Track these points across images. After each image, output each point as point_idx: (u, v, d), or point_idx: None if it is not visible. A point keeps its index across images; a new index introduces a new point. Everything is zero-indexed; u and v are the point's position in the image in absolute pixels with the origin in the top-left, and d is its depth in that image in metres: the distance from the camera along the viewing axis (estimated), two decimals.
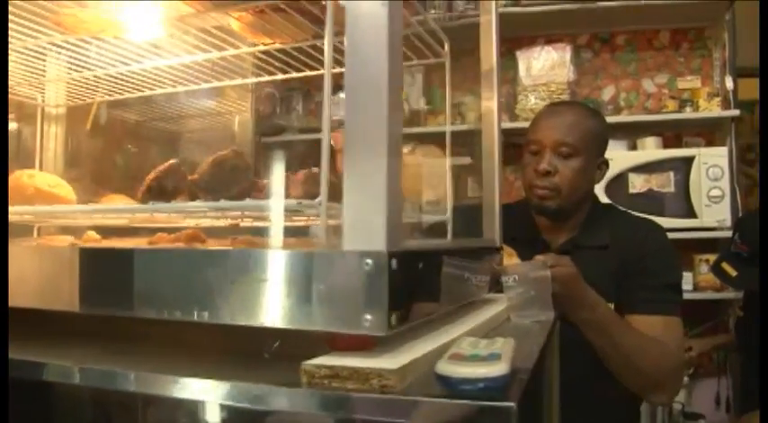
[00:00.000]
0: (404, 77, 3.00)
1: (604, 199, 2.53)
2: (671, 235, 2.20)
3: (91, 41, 1.03)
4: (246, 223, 0.77)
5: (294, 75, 1.14)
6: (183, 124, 1.46)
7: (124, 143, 1.39)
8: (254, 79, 1.21)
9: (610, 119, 2.71)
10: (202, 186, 0.67)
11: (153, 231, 0.85)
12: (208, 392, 0.54)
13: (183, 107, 1.33)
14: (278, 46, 0.98)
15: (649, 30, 2.89)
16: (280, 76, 1.17)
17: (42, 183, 0.96)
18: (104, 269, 0.67)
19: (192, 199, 0.68)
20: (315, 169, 0.74)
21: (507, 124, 2.79)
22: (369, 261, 0.54)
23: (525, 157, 1.46)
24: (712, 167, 2.51)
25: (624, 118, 2.74)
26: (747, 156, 5.32)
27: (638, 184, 2.55)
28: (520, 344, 0.60)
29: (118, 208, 0.80)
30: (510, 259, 1.15)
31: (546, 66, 2.68)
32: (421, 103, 2.94)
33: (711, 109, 2.63)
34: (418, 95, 2.98)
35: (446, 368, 0.49)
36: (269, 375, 0.56)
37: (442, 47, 1.03)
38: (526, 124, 2.68)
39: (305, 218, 0.77)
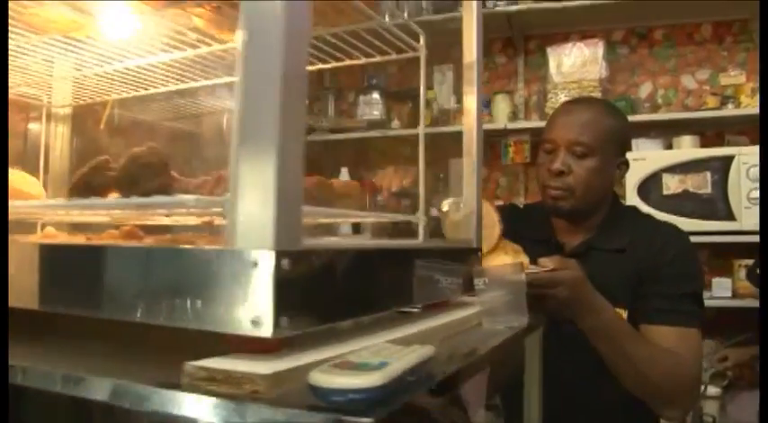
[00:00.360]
0: (434, 76, 2.97)
1: (636, 200, 2.45)
2: (708, 239, 2.10)
3: (78, 41, 1.03)
4: (180, 220, 0.75)
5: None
6: (183, 122, 1.46)
7: (121, 143, 1.40)
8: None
9: (645, 117, 2.62)
10: (120, 182, 0.66)
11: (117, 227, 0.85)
12: (87, 389, 0.52)
13: (177, 106, 1.33)
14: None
15: (690, 23, 2.77)
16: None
17: (12, 180, 0.97)
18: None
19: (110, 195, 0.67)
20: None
21: (538, 123, 2.72)
22: (256, 260, 0.51)
23: (540, 155, 1.41)
24: (753, 167, 2.37)
25: (659, 116, 2.63)
26: None
27: (672, 185, 2.43)
28: (450, 353, 0.57)
29: (37, 204, 0.80)
30: (517, 256, 1.12)
31: (577, 63, 2.60)
32: (452, 102, 2.89)
33: (754, 105, 2.50)
34: (448, 94, 2.93)
35: (318, 377, 0.46)
36: (156, 374, 0.54)
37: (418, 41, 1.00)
38: None
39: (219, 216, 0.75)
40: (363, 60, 1.04)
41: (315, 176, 0.80)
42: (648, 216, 1.50)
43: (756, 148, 2.40)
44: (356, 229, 2.27)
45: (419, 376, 0.53)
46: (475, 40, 1.03)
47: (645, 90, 2.81)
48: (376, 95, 3.00)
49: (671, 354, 1.21)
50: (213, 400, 0.48)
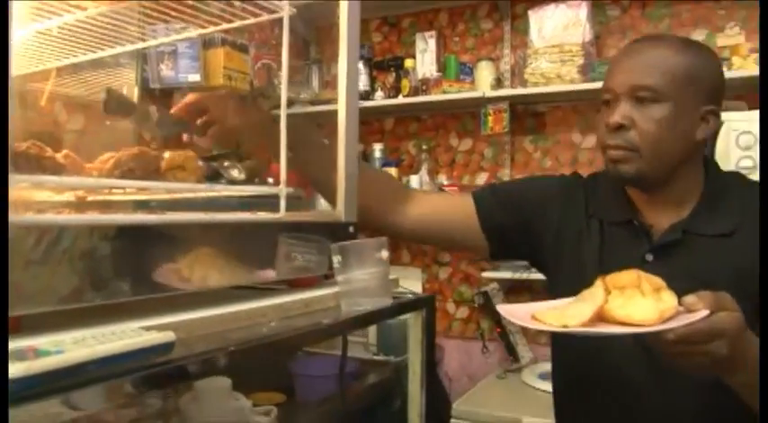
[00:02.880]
0: (416, 44, 2.87)
1: None
2: None
3: None
4: None
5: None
6: None
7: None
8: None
9: None
10: None
11: None
12: None
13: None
14: None
15: None
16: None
17: None
18: None
19: None
20: None
21: (518, 90, 2.62)
22: None
23: (599, 115, 1.12)
24: (743, 134, 2.24)
25: None
26: None
27: None
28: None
29: None
30: (658, 296, 0.80)
31: (559, 26, 2.47)
32: (433, 71, 2.80)
33: (746, 67, 2.35)
34: (431, 61, 2.84)
35: None
36: None
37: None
38: (536, 90, 2.53)
39: None
40: (233, 25, 0.97)
41: (135, 147, 0.75)
42: (758, 183, 1.14)
43: (745, 114, 2.26)
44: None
45: (110, 365, 0.48)
46: (347, 9, 0.95)
47: None
48: (359, 66, 2.93)
49: None
50: None
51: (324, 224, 0.93)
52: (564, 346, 1.19)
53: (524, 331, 2.71)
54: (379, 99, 2.86)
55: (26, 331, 0.54)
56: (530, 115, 2.81)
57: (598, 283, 0.83)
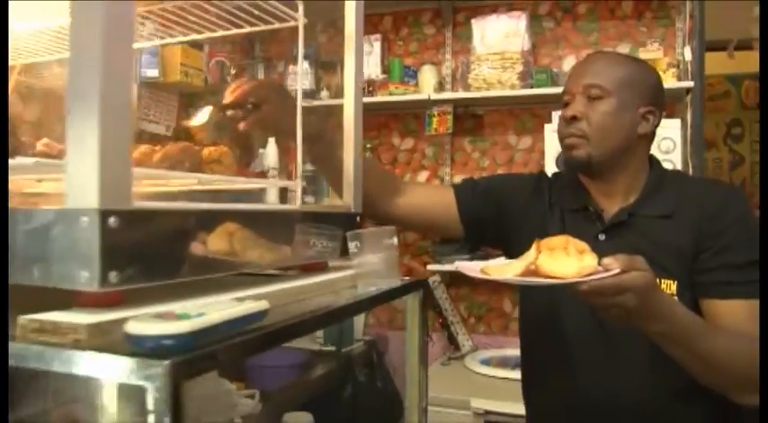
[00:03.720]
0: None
1: (554, 169, 2.53)
2: None
3: None
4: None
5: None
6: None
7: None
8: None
9: None
10: None
11: None
12: None
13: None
14: None
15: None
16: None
17: None
18: None
19: None
20: None
21: (461, 94, 2.78)
22: (84, 219, 0.54)
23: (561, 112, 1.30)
24: (665, 140, 2.49)
25: None
26: (732, 131, 5.30)
27: None
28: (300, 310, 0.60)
29: None
30: (581, 257, 0.93)
31: (500, 34, 2.65)
32: (378, 72, 2.92)
33: (665, 80, 2.59)
34: (376, 64, 2.95)
35: (132, 326, 0.50)
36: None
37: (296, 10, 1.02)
38: (479, 94, 2.69)
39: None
40: (247, 29, 1.05)
41: (181, 143, 0.82)
42: (696, 178, 1.40)
43: (666, 122, 2.50)
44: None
45: (239, 327, 0.57)
46: (354, 12, 1.05)
47: (568, 63, 2.87)
48: (305, 65, 3.01)
49: (748, 339, 1.07)
50: (37, 347, 0.51)
51: (333, 214, 1.02)
52: (529, 312, 1.39)
53: (464, 322, 2.87)
54: (325, 99, 2.95)
55: (128, 304, 0.61)
56: (469, 117, 2.97)
57: (533, 246, 0.96)
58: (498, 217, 1.38)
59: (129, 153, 0.57)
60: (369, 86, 2.85)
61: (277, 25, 1.06)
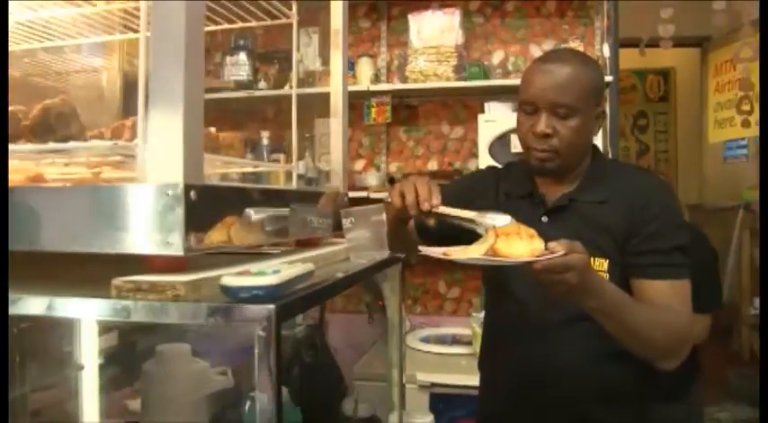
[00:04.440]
0: (300, 38, 3.06)
1: (486, 157, 2.70)
2: None
3: None
4: (80, 165, 0.84)
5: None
6: (56, 79, 1.48)
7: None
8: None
9: (497, 82, 2.87)
10: (33, 131, 0.74)
11: None
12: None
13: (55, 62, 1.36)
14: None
15: None
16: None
17: None
18: None
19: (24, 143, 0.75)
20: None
21: (399, 86, 2.90)
22: (169, 192, 0.63)
23: (519, 116, 1.38)
24: None
25: (509, 81, 2.87)
26: (638, 122, 5.70)
27: (519, 144, 2.70)
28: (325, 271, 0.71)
29: None
30: (532, 240, 1.07)
31: (436, 29, 2.79)
32: (317, 64, 3.00)
33: None
34: (314, 56, 3.03)
35: (228, 280, 0.59)
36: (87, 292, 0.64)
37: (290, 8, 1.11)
38: (416, 86, 2.83)
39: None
40: (240, 24, 1.14)
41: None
42: (630, 167, 1.52)
43: None
44: None
45: (301, 282, 0.67)
46: (341, 10, 1.15)
47: (497, 57, 3.06)
48: (243, 56, 3.05)
49: (667, 311, 1.27)
50: (144, 303, 0.60)
51: (323, 194, 1.13)
52: (494, 292, 1.53)
53: (403, 303, 3.00)
54: (264, 89, 3.01)
55: (188, 270, 0.70)
56: (404, 108, 3.10)
57: (490, 232, 1.09)
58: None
59: (201, 139, 0.66)
60: (308, 78, 2.92)
61: (268, 21, 1.14)
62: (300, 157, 3.08)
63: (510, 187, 1.49)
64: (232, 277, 0.59)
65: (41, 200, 0.67)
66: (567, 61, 1.35)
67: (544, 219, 1.40)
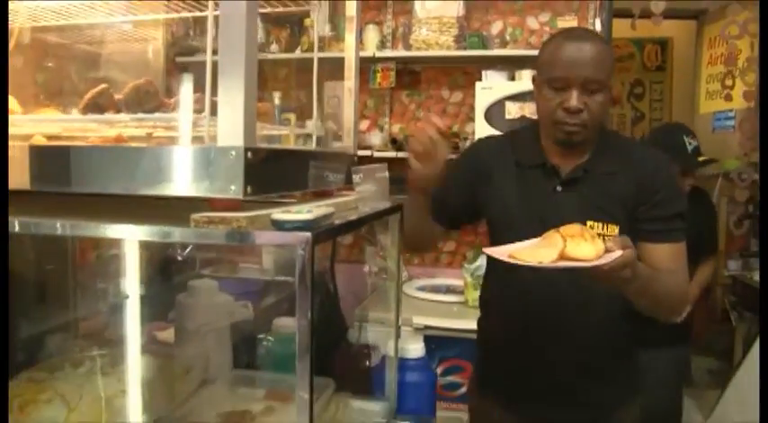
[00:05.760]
0: (310, 5, 3.24)
1: (482, 123, 2.91)
2: None
3: None
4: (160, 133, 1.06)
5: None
6: (101, 47, 1.69)
7: (45, 63, 1.62)
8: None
9: (495, 52, 3.07)
10: (125, 103, 0.96)
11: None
12: (132, 233, 0.86)
13: (102, 33, 1.57)
14: None
15: None
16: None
17: None
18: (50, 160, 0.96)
19: (117, 113, 0.97)
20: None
21: (403, 53, 3.11)
22: (233, 152, 0.86)
23: (546, 91, 1.43)
24: None
25: (506, 51, 3.08)
26: (635, 90, 5.86)
27: (513, 110, 2.90)
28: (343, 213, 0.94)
29: (66, 117, 1.07)
30: (595, 242, 1.14)
31: (439, 1, 2.98)
32: (326, 30, 3.19)
33: None
34: (324, 21, 3.22)
35: (277, 215, 0.83)
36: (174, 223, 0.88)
37: None
38: (419, 53, 3.03)
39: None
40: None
41: None
42: (632, 141, 1.70)
43: None
44: None
45: (329, 220, 0.91)
46: None
47: (496, 28, 3.24)
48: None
49: (675, 275, 1.45)
50: (222, 230, 0.83)
51: (337, 154, 1.36)
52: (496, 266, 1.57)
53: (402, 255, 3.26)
54: (276, 52, 3.21)
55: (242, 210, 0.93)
56: (407, 73, 3.31)
57: (552, 233, 1.15)
58: (470, 197, 1.61)
59: (255, 112, 0.89)
60: (320, 42, 3.12)
61: (293, 8, 1.35)
62: (309, 117, 3.30)
63: (520, 157, 1.55)
64: (280, 214, 0.83)
65: (136, 156, 0.90)
66: (591, 39, 1.44)
67: (558, 188, 1.49)
